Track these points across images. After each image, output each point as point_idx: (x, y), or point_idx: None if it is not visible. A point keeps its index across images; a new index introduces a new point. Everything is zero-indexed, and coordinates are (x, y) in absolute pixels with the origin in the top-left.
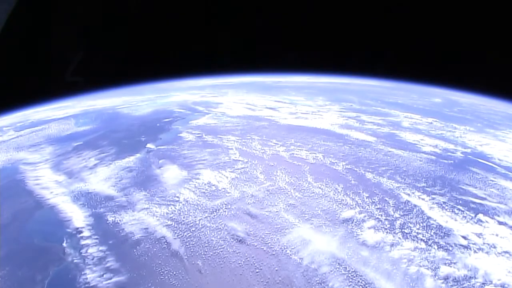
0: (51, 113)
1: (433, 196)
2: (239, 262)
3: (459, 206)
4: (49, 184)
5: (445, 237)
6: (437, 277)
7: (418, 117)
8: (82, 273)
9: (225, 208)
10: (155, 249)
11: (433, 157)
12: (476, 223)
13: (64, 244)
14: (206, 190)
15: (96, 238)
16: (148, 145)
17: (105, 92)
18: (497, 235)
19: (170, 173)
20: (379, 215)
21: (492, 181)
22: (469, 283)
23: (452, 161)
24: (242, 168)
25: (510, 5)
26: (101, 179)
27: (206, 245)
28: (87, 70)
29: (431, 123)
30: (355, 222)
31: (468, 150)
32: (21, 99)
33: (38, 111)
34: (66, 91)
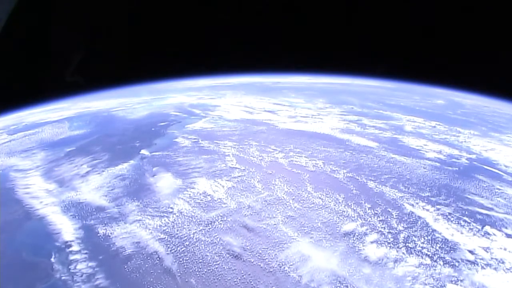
0: (45, 115)
1: (438, 206)
2: (235, 280)
3: (465, 218)
4: (39, 193)
5: (451, 251)
6: None
7: (421, 120)
8: None
9: (221, 221)
10: (146, 265)
11: (437, 164)
12: (483, 236)
13: (53, 259)
14: (201, 200)
15: (86, 253)
16: (142, 151)
17: (101, 93)
18: (505, 249)
19: (164, 182)
20: (381, 227)
21: (499, 189)
22: None
23: (457, 168)
24: (239, 176)
25: None
26: (93, 188)
27: (200, 261)
28: (86, 70)
29: (435, 126)
30: (357, 235)
31: (473, 156)
32: (20, 99)
33: (33, 113)
34: (65, 91)
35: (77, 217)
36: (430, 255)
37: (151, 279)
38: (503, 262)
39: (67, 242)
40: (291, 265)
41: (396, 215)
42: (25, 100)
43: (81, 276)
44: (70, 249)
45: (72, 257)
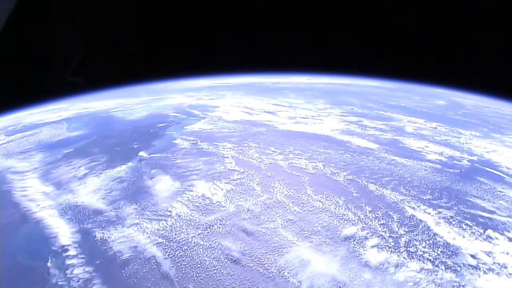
0: (44, 116)
1: (440, 209)
2: (234, 285)
3: (467, 221)
4: (36, 196)
5: (453, 256)
6: None
7: (422, 121)
8: None
9: (220, 224)
10: (144, 270)
11: (439, 166)
12: (485, 240)
13: (49, 264)
14: (199, 203)
15: (83, 257)
16: (141, 153)
17: (100, 94)
18: (507, 253)
19: (163, 185)
20: (382, 231)
21: (501, 192)
22: None
23: (458, 170)
24: (238, 179)
25: None
26: (90, 190)
27: (198, 266)
28: (85, 70)
29: (436, 128)
30: (357, 240)
31: (475, 158)
32: (19, 100)
33: (31, 113)
34: (65, 91)
35: (74, 220)
36: (432, 260)
37: (149, 285)
38: (505, 267)
39: (63, 246)
40: (291, 270)
41: (397, 219)
42: (23, 101)
43: (78, 281)
44: (67, 253)
45: (68, 262)
